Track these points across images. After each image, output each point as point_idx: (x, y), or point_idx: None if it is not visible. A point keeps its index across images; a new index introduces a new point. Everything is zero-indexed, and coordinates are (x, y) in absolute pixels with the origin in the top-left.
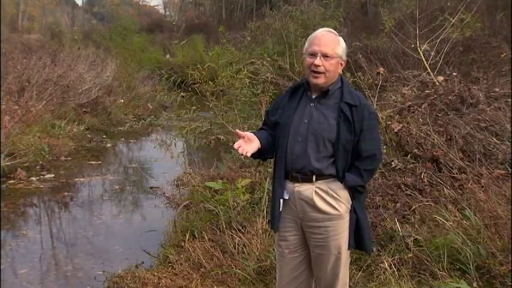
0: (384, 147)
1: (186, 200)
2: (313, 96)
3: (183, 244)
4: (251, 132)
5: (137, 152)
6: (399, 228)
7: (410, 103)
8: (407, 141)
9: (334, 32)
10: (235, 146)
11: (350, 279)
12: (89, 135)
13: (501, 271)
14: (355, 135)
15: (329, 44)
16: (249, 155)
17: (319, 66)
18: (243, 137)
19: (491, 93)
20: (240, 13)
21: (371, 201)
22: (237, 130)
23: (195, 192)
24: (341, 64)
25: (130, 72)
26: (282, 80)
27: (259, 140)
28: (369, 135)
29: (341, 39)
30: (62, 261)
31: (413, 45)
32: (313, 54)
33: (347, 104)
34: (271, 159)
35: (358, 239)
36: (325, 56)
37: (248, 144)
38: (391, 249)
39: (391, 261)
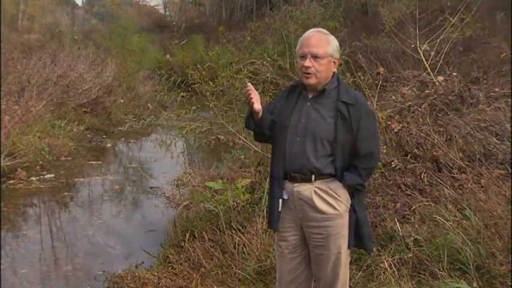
0: (384, 147)
1: (186, 200)
2: (310, 96)
3: (183, 244)
4: None
5: (137, 152)
6: (399, 228)
7: (410, 103)
8: (407, 141)
9: (324, 31)
10: (248, 88)
11: (350, 279)
12: (89, 135)
13: (501, 271)
14: (352, 134)
15: (318, 45)
16: (255, 107)
17: (309, 67)
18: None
19: (491, 93)
20: (240, 13)
21: (371, 201)
22: (248, 83)
23: (195, 192)
24: (334, 62)
25: (131, 72)
26: (282, 80)
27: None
28: (367, 134)
29: (332, 37)
30: (62, 261)
31: (413, 45)
32: (303, 56)
33: (344, 103)
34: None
35: (358, 238)
36: (315, 57)
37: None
38: (391, 249)
39: (391, 261)
